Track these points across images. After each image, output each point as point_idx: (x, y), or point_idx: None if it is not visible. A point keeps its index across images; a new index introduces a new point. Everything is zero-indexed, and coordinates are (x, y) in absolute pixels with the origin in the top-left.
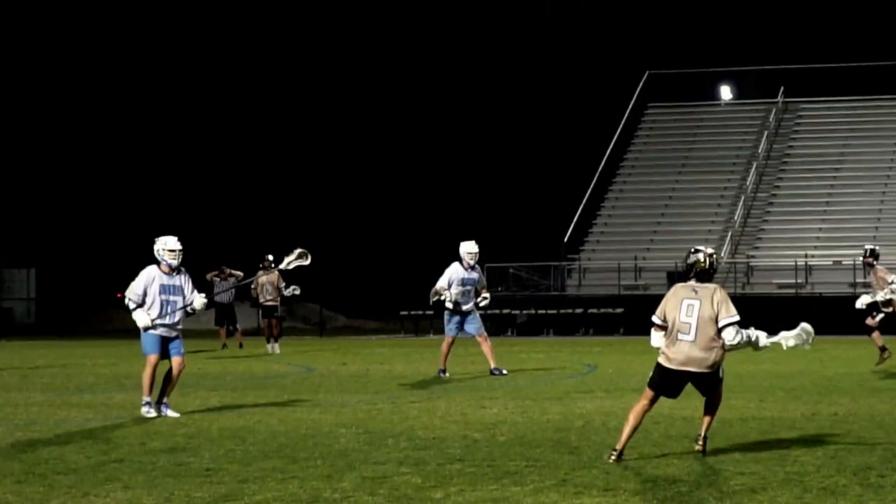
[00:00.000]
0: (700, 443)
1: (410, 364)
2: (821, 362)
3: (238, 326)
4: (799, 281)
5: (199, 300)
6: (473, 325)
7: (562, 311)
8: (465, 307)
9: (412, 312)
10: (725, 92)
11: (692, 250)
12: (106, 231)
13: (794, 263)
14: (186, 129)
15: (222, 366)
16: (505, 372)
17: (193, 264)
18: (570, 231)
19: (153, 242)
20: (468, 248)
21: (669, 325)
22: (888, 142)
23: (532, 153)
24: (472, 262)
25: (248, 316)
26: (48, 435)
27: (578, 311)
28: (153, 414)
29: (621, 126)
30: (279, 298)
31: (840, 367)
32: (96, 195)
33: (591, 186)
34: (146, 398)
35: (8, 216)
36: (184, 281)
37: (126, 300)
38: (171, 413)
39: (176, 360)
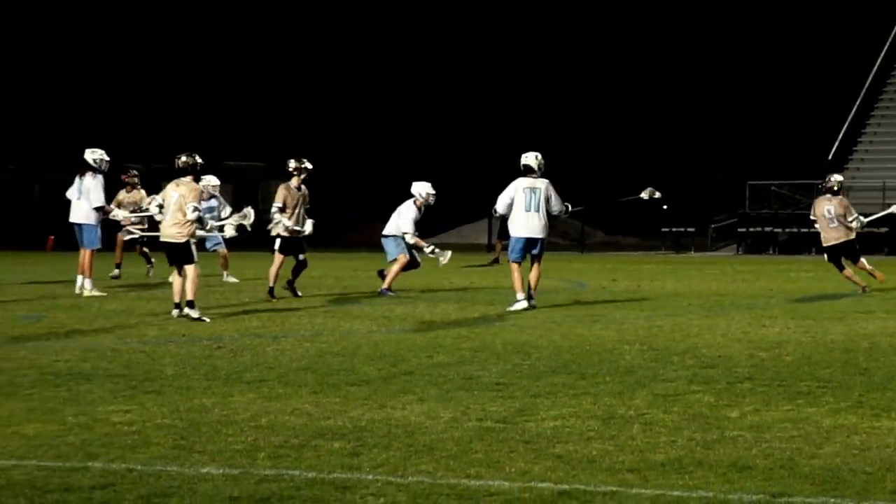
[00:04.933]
0: None
1: (681, 281)
2: None
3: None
4: None
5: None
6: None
7: None
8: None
9: (674, 229)
10: None
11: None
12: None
13: None
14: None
15: (494, 280)
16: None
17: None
18: (835, 147)
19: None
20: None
21: None
22: None
23: (796, 62)
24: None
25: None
26: (336, 347)
27: None
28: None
29: (894, 33)
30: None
31: None
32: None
33: (859, 100)
34: (522, 294)
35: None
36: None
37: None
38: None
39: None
